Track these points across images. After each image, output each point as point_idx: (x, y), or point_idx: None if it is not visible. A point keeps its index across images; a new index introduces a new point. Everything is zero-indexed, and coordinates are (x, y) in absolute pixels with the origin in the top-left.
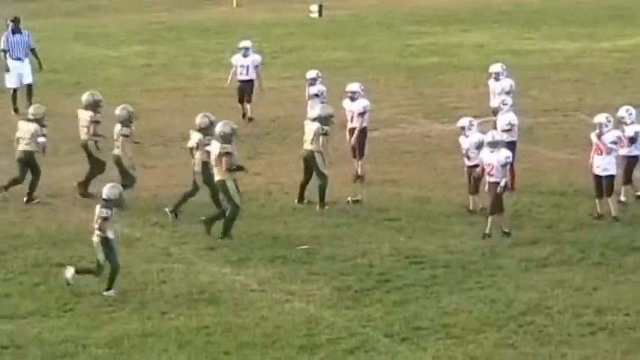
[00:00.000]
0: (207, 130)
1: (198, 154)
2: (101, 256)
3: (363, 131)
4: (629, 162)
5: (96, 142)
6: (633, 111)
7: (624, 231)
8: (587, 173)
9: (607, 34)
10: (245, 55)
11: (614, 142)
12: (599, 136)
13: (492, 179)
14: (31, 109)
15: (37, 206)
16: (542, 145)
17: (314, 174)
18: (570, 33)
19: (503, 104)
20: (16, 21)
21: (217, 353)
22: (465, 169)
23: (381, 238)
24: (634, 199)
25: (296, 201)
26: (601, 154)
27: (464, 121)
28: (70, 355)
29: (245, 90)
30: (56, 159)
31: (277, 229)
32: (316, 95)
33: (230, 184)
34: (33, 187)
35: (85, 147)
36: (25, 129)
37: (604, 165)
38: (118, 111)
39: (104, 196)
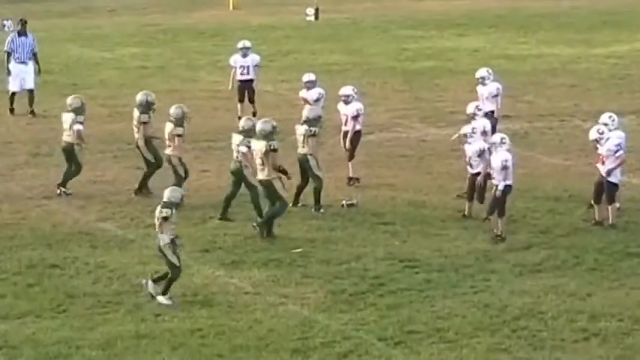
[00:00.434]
0: (249, 133)
1: (239, 154)
2: (174, 259)
3: (357, 134)
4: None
5: (145, 141)
6: (616, 118)
7: (619, 237)
8: (582, 179)
9: (603, 40)
10: (244, 55)
11: (617, 150)
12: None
13: (494, 181)
14: (68, 100)
15: (32, 207)
16: (537, 151)
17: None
18: (566, 38)
19: (478, 110)
20: (23, 23)
21: (211, 356)
22: (468, 175)
23: (375, 241)
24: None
25: (291, 204)
26: (603, 163)
27: (466, 129)
28: (63, 356)
29: (246, 90)
30: (51, 160)
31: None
32: (317, 100)
33: (276, 183)
34: (67, 176)
35: (137, 146)
36: (65, 120)
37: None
38: (172, 110)
39: (165, 199)
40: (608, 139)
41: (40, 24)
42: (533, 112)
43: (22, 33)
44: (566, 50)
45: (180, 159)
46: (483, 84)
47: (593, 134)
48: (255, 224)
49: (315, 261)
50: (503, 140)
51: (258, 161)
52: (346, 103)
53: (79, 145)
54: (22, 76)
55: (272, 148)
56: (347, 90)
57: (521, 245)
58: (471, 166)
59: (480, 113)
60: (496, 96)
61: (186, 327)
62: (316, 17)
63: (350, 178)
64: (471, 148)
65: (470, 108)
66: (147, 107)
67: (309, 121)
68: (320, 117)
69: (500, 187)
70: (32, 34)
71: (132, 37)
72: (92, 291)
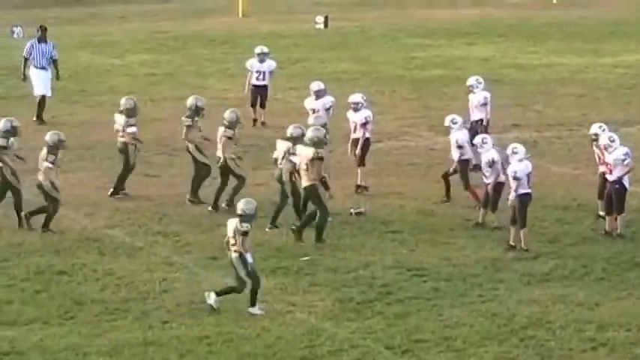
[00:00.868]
0: (298, 140)
1: (284, 164)
2: (243, 272)
3: (367, 142)
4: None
5: (196, 145)
6: (607, 128)
7: (627, 247)
8: (591, 188)
9: (611, 50)
10: (261, 61)
11: (625, 159)
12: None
13: (487, 180)
14: (122, 101)
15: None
16: (546, 160)
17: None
18: (575, 48)
19: (453, 123)
20: (43, 29)
21: None
22: (484, 184)
23: (383, 250)
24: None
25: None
26: (611, 172)
27: (476, 139)
28: None
29: (259, 95)
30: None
31: (280, 240)
32: (328, 109)
33: (321, 189)
34: (121, 179)
35: (187, 150)
36: (117, 120)
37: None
38: (226, 114)
39: (240, 212)
40: (616, 148)
41: (49, 31)
42: (542, 121)
43: (41, 40)
44: (574, 60)
45: (236, 162)
46: (473, 92)
47: (595, 130)
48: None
49: (322, 269)
50: (515, 150)
51: (303, 167)
52: (355, 110)
53: (134, 145)
54: (43, 80)
55: (319, 156)
56: (356, 97)
57: (529, 254)
58: (484, 175)
59: (456, 126)
60: (484, 104)
61: (194, 334)
62: (325, 25)
63: (358, 186)
64: (482, 158)
65: (446, 121)
66: (196, 112)
67: (316, 143)
68: (324, 138)
69: (511, 196)
70: (52, 41)
71: (142, 43)
72: (100, 298)
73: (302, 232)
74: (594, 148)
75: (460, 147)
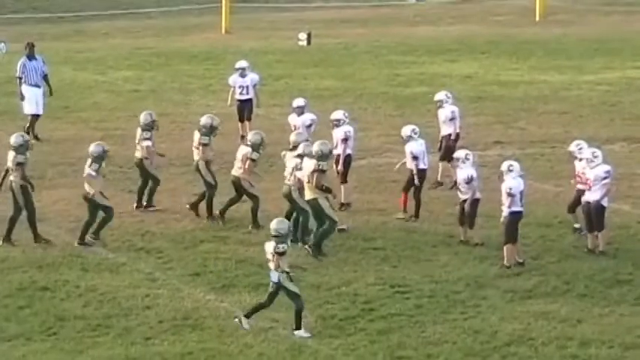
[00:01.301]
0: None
1: (292, 180)
2: (293, 287)
3: (347, 158)
4: (579, 193)
5: (206, 162)
6: (584, 145)
7: (609, 263)
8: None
9: (594, 67)
10: (242, 76)
11: (605, 177)
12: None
13: (463, 196)
14: (141, 116)
15: (23, 229)
16: (528, 177)
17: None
18: (558, 65)
19: (414, 133)
20: (31, 46)
21: None
22: (460, 201)
23: (366, 266)
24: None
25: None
26: (590, 189)
27: (459, 153)
28: None
29: (245, 109)
30: (43, 183)
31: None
32: (309, 126)
33: (323, 202)
34: (141, 192)
35: (196, 168)
36: (138, 135)
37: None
38: (250, 135)
39: (274, 232)
40: (599, 164)
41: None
42: (525, 138)
43: (31, 57)
44: (557, 77)
45: (250, 182)
46: (441, 107)
47: (572, 148)
48: (307, 247)
49: (305, 285)
50: (510, 167)
51: (305, 179)
52: (337, 127)
53: (148, 159)
54: (36, 99)
55: (320, 168)
56: (338, 114)
57: (511, 271)
58: (460, 191)
59: (416, 136)
60: (453, 119)
61: (177, 350)
62: (309, 42)
63: (342, 204)
64: (461, 175)
65: (407, 131)
66: (210, 130)
67: (320, 157)
68: (331, 151)
69: (505, 213)
70: (41, 56)
71: (125, 60)
72: (82, 314)
73: (317, 249)
74: (575, 163)
75: (415, 158)
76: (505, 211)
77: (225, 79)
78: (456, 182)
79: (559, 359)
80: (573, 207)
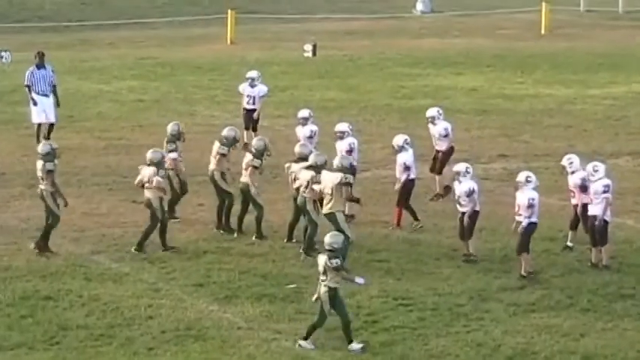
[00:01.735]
0: (319, 169)
1: (308, 193)
2: (327, 307)
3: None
4: (575, 208)
5: (222, 173)
6: (575, 160)
7: (613, 278)
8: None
9: (599, 81)
10: (252, 86)
11: (605, 191)
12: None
13: (519, 218)
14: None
15: (27, 238)
16: None
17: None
18: (563, 79)
19: (407, 143)
20: (40, 55)
21: None
22: (459, 215)
23: (369, 279)
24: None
25: (285, 240)
26: (591, 202)
27: (460, 167)
28: None
29: (251, 118)
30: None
31: (266, 267)
32: (310, 137)
33: (339, 216)
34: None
35: (211, 178)
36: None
37: (596, 211)
38: (254, 141)
39: (328, 247)
40: (599, 178)
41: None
42: (530, 151)
43: (40, 66)
44: (562, 91)
45: (257, 190)
46: (433, 123)
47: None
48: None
49: (308, 297)
50: (529, 179)
51: (327, 191)
52: (341, 139)
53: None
54: (44, 109)
55: (347, 181)
56: (342, 126)
57: (515, 285)
58: (460, 204)
59: (408, 146)
60: (446, 136)
61: None
62: (314, 53)
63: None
64: (461, 188)
65: (399, 141)
66: (232, 142)
67: (344, 169)
68: (352, 165)
69: (525, 223)
70: (50, 65)
71: (130, 70)
72: (85, 324)
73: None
74: (568, 178)
75: (407, 168)
76: (524, 221)
77: (230, 89)
78: (438, 194)
79: None
80: (575, 223)
